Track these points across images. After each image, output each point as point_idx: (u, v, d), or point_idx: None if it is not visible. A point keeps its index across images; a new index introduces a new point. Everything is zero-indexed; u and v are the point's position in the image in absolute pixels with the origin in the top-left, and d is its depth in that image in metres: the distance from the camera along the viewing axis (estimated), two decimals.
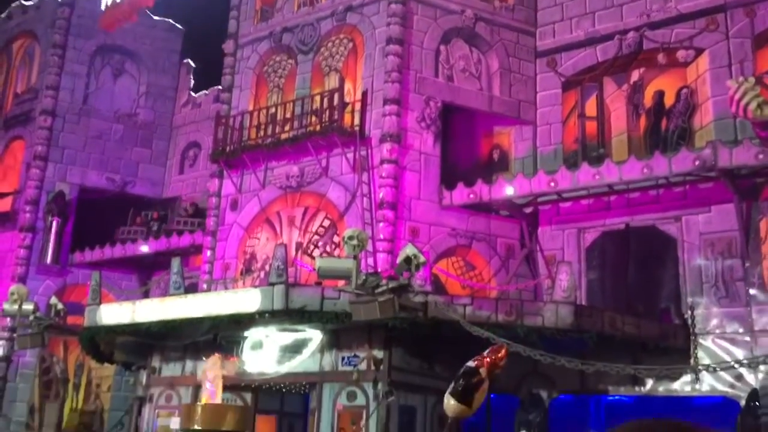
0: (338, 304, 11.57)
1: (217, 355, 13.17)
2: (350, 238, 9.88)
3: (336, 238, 14.66)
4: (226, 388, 12.65)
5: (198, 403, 8.90)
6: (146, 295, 17.99)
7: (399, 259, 9.90)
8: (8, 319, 18.19)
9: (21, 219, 19.82)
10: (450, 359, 13.38)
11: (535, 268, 14.82)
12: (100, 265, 18.95)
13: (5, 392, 18.89)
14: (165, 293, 16.21)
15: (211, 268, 16.05)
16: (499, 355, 4.77)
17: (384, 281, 10.14)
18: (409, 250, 9.76)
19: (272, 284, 11.85)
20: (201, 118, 21.29)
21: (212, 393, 8.53)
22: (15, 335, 15.67)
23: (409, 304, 10.96)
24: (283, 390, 14.99)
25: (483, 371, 4.65)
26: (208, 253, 16.49)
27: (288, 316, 11.72)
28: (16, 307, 13.86)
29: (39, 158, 20.15)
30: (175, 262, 13.26)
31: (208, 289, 14.99)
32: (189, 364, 14.76)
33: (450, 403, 4.93)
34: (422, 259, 9.78)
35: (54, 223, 19.51)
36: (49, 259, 19.47)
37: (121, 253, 19.49)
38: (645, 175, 13.09)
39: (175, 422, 14.59)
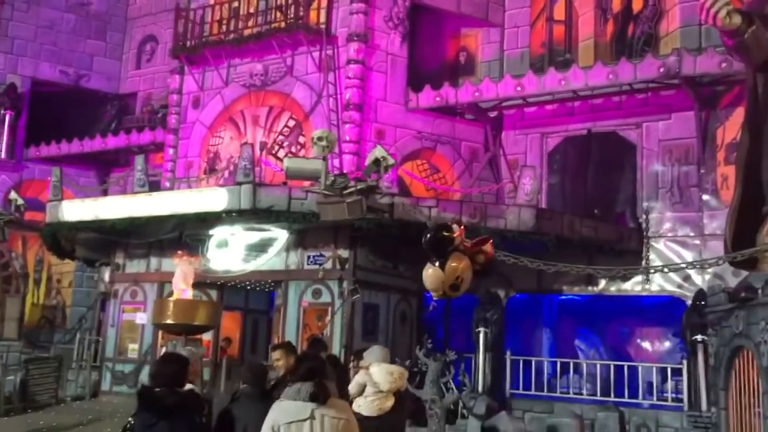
0: (305, 204, 11.68)
1: (186, 252, 13.29)
2: (319, 138, 9.86)
3: (301, 139, 14.59)
4: (192, 285, 12.83)
5: (169, 298, 9.03)
6: (105, 192, 17.82)
7: (367, 161, 9.96)
8: None
9: None
10: (414, 260, 13.70)
11: (498, 172, 15.06)
12: (58, 160, 18.55)
13: None
14: (125, 191, 16.09)
15: (174, 166, 15.88)
16: (485, 245, 4.98)
17: (352, 182, 10.23)
18: (377, 152, 9.81)
19: (239, 183, 11.86)
20: (158, 10, 20.41)
21: (183, 289, 8.66)
22: None
23: (375, 205, 11.13)
24: (248, 287, 15.28)
25: (456, 230, 4.84)
26: (170, 151, 16.27)
27: (255, 215, 11.80)
28: None
29: None
30: (139, 159, 13.11)
31: (171, 188, 14.88)
32: (153, 261, 14.88)
33: (426, 273, 5.17)
34: (391, 161, 9.86)
35: (7, 117, 18.91)
36: (2, 154, 18.99)
37: (79, 149, 19.08)
38: (610, 81, 13.20)
39: (140, 317, 14.84)
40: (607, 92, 14.00)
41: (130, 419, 4.72)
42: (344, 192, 10.10)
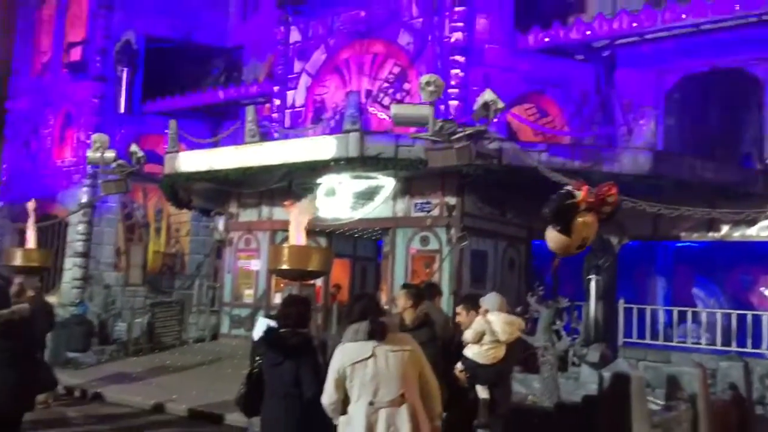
0: (413, 151, 11.62)
1: (305, 199, 13.58)
2: (427, 83, 9.71)
3: (406, 86, 14.46)
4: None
5: (284, 244, 9.26)
6: (217, 144, 18.38)
7: (476, 105, 9.74)
8: (89, 166, 19.01)
9: (92, 69, 20.08)
10: (521, 206, 13.52)
11: (611, 114, 14.42)
12: (172, 114, 19.22)
13: (92, 236, 20.00)
14: (236, 142, 16.53)
15: (281, 117, 16.13)
16: (610, 191, 4.75)
17: (460, 128, 10.06)
18: (487, 95, 9.56)
19: (346, 132, 11.92)
20: None
21: (298, 235, 8.83)
22: (99, 182, 16.34)
23: (484, 151, 10.93)
24: (356, 235, 15.51)
25: (579, 195, 4.64)
26: (277, 102, 16.52)
27: (363, 163, 11.85)
28: (99, 154, 14.31)
29: (104, 6, 20.07)
30: (250, 110, 13.37)
31: (280, 138, 15.14)
32: (265, 210, 15.32)
33: (550, 235, 5.01)
34: (500, 104, 9.60)
35: (124, 73, 19.72)
36: (122, 109, 19.87)
37: (191, 102, 19.68)
38: (737, 12, 12.26)
39: (254, 264, 15.40)
40: (733, 25, 13.02)
41: (257, 358, 4.88)
42: (452, 137, 9.96)
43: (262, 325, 5.55)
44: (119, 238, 20.54)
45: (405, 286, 6.84)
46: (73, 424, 8.80)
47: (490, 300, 6.89)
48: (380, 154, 11.67)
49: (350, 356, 4.04)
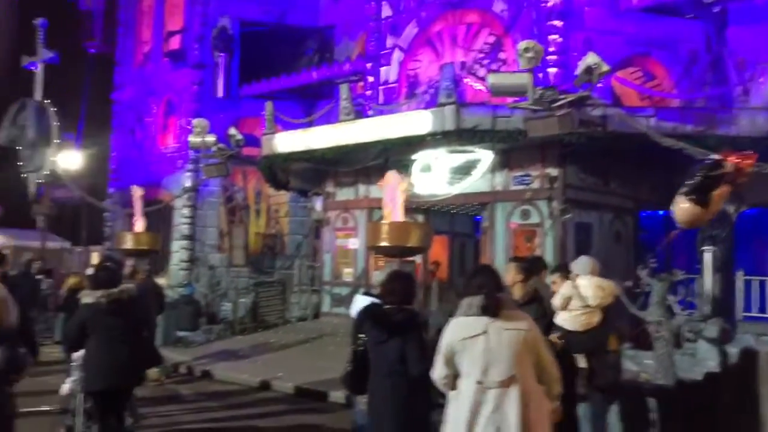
0: (511, 122, 11.24)
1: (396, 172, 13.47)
2: (525, 50, 9.29)
3: (502, 55, 14.00)
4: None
5: (382, 221, 9.14)
6: (311, 124, 18.50)
7: (578, 70, 9.24)
8: (191, 151, 19.58)
9: (191, 56, 20.60)
10: (627, 176, 12.89)
11: (723, 74, 13.48)
12: (267, 96, 19.42)
13: (196, 219, 20.64)
14: (330, 122, 16.56)
15: (375, 94, 16.00)
16: (748, 160, 4.34)
17: (561, 95, 9.59)
18: (590, 58, 9.05)
19: (442, 105, 11.65)
20: None
21: (395, 211, 8.70)
22: (201, 166, 16.75)
23: (587, 118, 10.42)
24: (453, 211, 15.26)
25: (728, 165, 4.25)
26: (371, 79, 16.40)
27: (459, 136, 11.57)
28: (199, 139, 14.63)
29: None
30: (343, 88, 13.30)
31: (374, 115, 15.04)
32: (361, 189, 15.29)
33: (682, 207, 4.61)
34: (605, 67, 9.06)
35: (221, 58, 20.11)
36: (220, 94, 20.29)
37: (286, 84, 19.86)
38: None
39: (352, 242, 15.43)
40: None
41: (360, 335, 4.77)
42: (553, 105, 9.50)
43: (360, 302, 5.40)
44: (221, 220, 21.10)
45: (514, 259, 6.57)
46: (186, 401, 9.06)
47: (579, 263, 6.53)
48: (477, 126, 11.35)
49: (461, 331, 3.84)
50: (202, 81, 20.60)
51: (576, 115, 9.53)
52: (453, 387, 3.88)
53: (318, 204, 17.79)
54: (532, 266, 6.44)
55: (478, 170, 13.09)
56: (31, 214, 20.85)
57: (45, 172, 18.51)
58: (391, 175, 8.78)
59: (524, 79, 9.50)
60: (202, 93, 20.58)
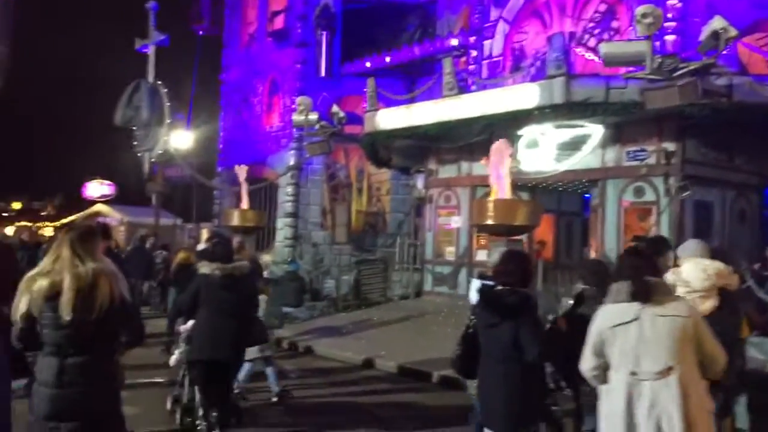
0: (625, 93, 10.63)
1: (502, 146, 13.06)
2: (643, 15, 8.69)
3: (615, 24, 13.27)
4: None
5: (487, 198, 8.83)
6: (413, 101, 18.27)
7: (703, 35, 8.57)
8: (295, 130, 19.80)
9: (294, 35, 20.74)
10: (753, 150, 11.98)
11: None
12: (369, 74, 19.35)
13: (299, 196, 20.91)
14: (432, 98, 16.28)
15: (479, 68, 15.57)
16: None
17: (683, 63, 8.93)
18: (716, 22, 8.36)
19: (551, 77, 11.15)
20: None
21: (501, 188, 8.36)
22: (304, 144, 16.88)
23: (711, 87, 9.68)
24: (560, 189, 14.70)
25: None
26: (474, 53, 15.97)
27: (569, 110, 11.06)
28: (303, 117, 14.73)
29: None
30: (446, 63, 12.98)
31: (478, 90, 14.64)
32: (464, 166, 14.98)
33: None
34: (733, 31, 8.35)
35: (324, 37, 20.14)
36: (323, 72, 20.35)
37: (387, 61, 19.67)
38: None
39: (455, 221, 15.16)
40: None
41: (471, 317, 4.53)
42: (674, 74, 8.87)
43: (476, 286, 5.09)
44: (324, 198, 21.27)
45: (636, 238, 6.14)
46: (289, 377, 9.12)
47: (683, 247, 6.01)
48: (588, 99, 10.79)
49: (611, 319, 3.56)
50: (305, 60, 20.72)
51: (699, 85, 8.85)
52: (604, 380, 3.61)
53: (420, 182, 17.60)
54: (654, 247, 6.01)
55: (588, 145, 12.52)
56: (146, 192, 21.74)
57: (158, 152, 19.22)
58: (498, 146, 8.39)
59: (642, 46, 8.92)
60: (305, 72, 20.72)
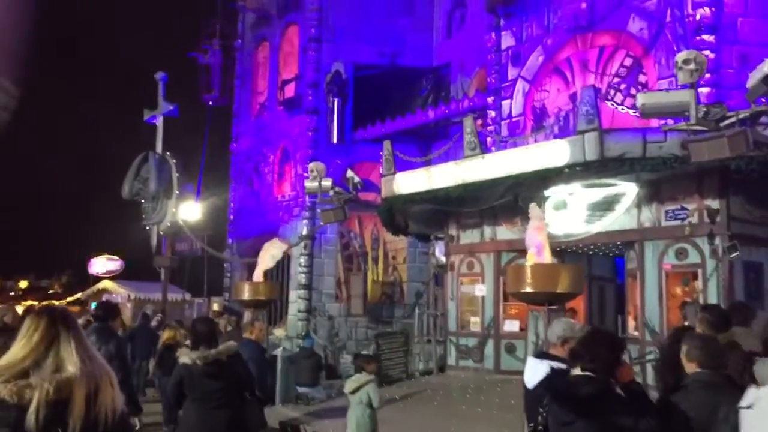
0: (664, 146, 9.87)
1: (519, 219, 12.27)
2: (685, 62, 8.02)
3: (642, 78, 12.66)
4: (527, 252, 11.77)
5: (523, 263, 7.98)
6: (429, 163, 17.62)
7: (751, 82, 7.85)
8: (307, 198, 19.16)
9: (305, 103, 20.38)
10: None
11: None
12: (381, 139, 18.85)
13: (313, 267, 20.10)
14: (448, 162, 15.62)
15: (497, 129, 14.96)
16: None
17: (731, 111, 8.21)
18: (766, 66, 7.65)
19: (581, 132, 10.43)
20: None
21: (539, 250, 7.54)
22: (319, 211, 16.18)
23: (760, 138, 8.92)
24: (590, 252, 13.85)
25: None
26: (492, 114, 15.39)
27: (603, 166, 10.30)
28: (316, 183, 14.08)
29: (313, 40, 20.33)
30: (467, 122, 12.34)
31: (498, 150, 13.97)
32: (487, 231, 14.17)
33: None
34: None
35: (335, 103, 19.73)
36: (335, 139, 19.86)
37: (401, 125, 19.19)
38: None
39: (479, 289, 14.23)
40: None
41: (541, 410, 3.63)
42: (721, 124, 8.12)
43: (534, 367, 4.11)
44: (339, 268, 20.48)
45: (705, 308, 5.24)
46: None
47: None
48: (624, 154, 10.04)
49: None
50: (317, 127, 20.30)
51: (750, 134, 8.09)
52: None
53: (439, 249, 16.79)
54: (728, 315, 5.13)
55: (622, 205, 11.73)
56: (153, 265, 20.98)
57: (167, 224, 18.55)
58: (534, 211, 7.65)
59: (685, 96, 8.22)
60: (316, 139, 20.27)
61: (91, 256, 29.36)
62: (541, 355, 4.17)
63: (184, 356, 5.14)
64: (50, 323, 2.58)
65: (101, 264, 30.01)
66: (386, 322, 19.31)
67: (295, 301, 19.88)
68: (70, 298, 31.56)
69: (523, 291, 7.63)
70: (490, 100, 15.48)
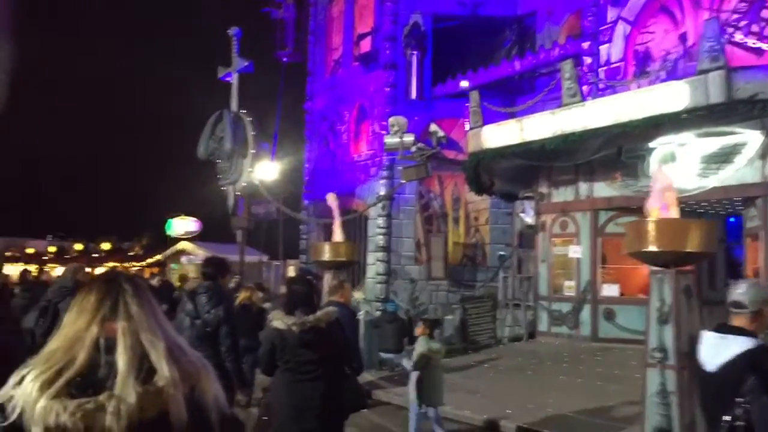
0: None
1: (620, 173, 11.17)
2: None
3: (765, 13, 11.20)
4: (629, 211, 10.72)
5: (647, 219, 6.95)
6: (513, 116, 16.48)
7: None
8: (385, 157, 18.35)
9: (382, 57, 19.43)
10: None
11: None
12: (462, 95, 17.81)
13: (391, 229, 19.36)
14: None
15: (595, 77, 13.71)
16: None
17: None
18: None
19: (703, 72, 9.19)
20: None
21: (663, 207, 6.50)
22: (399, 168, 15.35)
23: None
24: (700, 210, 12.58)
25: None
26: (588, 60, 14.13)
27: (730, 110, 9.07)
28: (397, 139, 13.19)
29: None
30: (566, 66, 11.19)
31: (597, 97, 12.77)
32: (583, 187, 13.09)
33: None
34: None
35: (414, 57, 18.73)
36: (413, 95, 18.89)
37: (485, 78, 18.05)
38: None
39: (574, 250, 13.21)
40: None
41: (741, 400, 2.72)
42: None
43: (720, 343, 3.00)
44: (418, 230, 19.67)
45: None
46: None
47: None
48: (756, 95, 8.77)
49: None
50: (395, 83, 19.35)
51: None
52: None
53: (526, 208, 15.76)
54: None
55: (743, 156, 10.46)
56: (230, 227, 20.68)
57: (242, 184, 18.13)
58: (658, 165, 6.63)
59: None
60: (394, 95, 19.33)
61: (169, 218, 29.46)
62: (722, 328, 3.19)
63: (278, 320, 4.43)
64: (110, 293, 1.71)
65: (179, 225, 30.09)
66: (468, 286, 18.45)
67: (373, 263, 19.21)
68: (150, 260, 31.96)
69: (645, 250, 6.60)
70: (585, 45, 14.21)
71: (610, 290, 12.61)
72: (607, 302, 12.56)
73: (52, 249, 34.20)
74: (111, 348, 1.61)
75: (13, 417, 1.51)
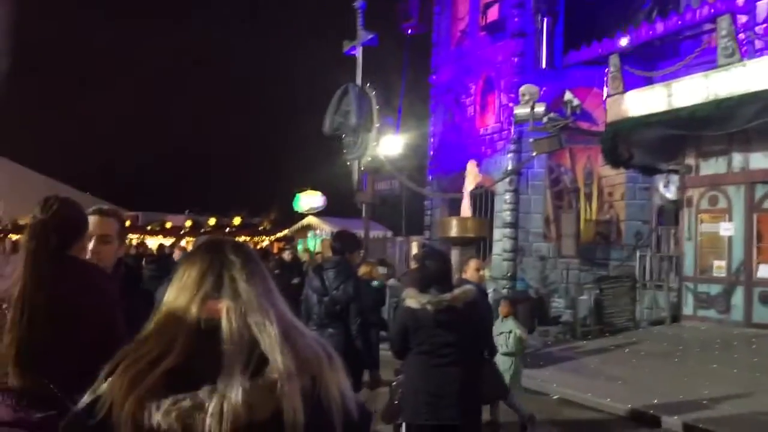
0: None
1: None
2: None
3: None
4: None
5: None
6: (651, 81, 15.28)
7: None
8: (513, 130, 17.63)
9: (510, 25, 18.63)
10: None
11: None
12: (596, 62, 16.71)
13: (519, 204, 18.64)
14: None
15: (753, 34, 12.37)
16: None
17: None
18: None
19: None
20: None
21: None
22: (530, 140, 14.64)
23: None
24: None
25: None
26: (742, 19, 12.77)
27: None
28: (528, 109, 12.53)
29: None
30: (724, 22, 10.14)
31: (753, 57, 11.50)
32: (737, 158, 11.93)
33: None
34: None
35: (544, 23, 17.80)
36: (543, 63, 17.99)
37: (625, 44, 16.80)
38: None
39: (725, 228, 12.10)
40: None
41: None
42: None
43: None
44: (547, 206, 18.85)
45: None
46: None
47: None
48: None
49: None
50: (523, 51, 18.51)
51: None
52: None
53: (670, 183, 14.64)
54: None
55: None
56: (355, 202, 20.68)
57: (367, 159, 18.02)
58: None
59: None
60: (522, 65, 18.50)
61: (298, 192, 29.96)
62: None
63: (411, 299, 4.10)
64: (213, 265, 1.40)
65: (306, 200, 30.54)
66: (601, 265, 17.47)
67: (500, 239, 18.58)
68: (279, 234, 32.74)
69: None
70: (740, 1, 12.82)
71: (766, 271, 11.44)
72: (764, 284, 11.42)
73: (188, 223, 35.81)
74: (213, 332, 1.29)
75: (101, 415, 1.24)
